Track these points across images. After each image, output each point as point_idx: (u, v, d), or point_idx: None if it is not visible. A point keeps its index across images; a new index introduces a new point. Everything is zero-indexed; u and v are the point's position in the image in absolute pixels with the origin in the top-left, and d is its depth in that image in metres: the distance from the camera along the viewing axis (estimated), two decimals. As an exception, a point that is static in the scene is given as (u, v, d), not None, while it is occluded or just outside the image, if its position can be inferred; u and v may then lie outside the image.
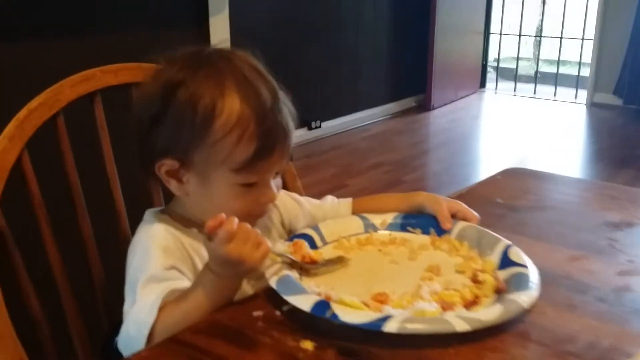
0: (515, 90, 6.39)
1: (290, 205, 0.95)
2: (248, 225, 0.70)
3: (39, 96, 0.87)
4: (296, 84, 3.96)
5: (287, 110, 0.82)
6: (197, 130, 0.77)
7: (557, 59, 6.35)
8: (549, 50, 6.74)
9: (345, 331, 0.63)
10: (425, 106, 5.49)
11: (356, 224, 0.86)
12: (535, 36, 6.83)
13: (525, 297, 0.67)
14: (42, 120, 0.87)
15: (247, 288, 0.80)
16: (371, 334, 0.62)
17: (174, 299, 0.73)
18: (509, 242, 0.78)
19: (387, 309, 0.67)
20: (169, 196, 0.87)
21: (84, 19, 1.75)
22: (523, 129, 5.09)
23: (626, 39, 5.43)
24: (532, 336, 0.65)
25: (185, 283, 0.76)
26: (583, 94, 5.87)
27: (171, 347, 0.65)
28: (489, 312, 0.65)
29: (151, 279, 0.76)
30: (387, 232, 0.85)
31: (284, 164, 0.82)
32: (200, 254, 0.80)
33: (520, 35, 6.46)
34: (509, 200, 1.01)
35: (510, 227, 0.88)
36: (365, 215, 0.88)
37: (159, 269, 0.77)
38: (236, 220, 0.69)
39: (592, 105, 5.72)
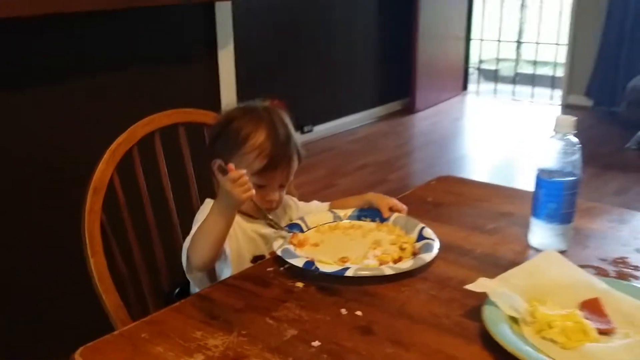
0: (495, 92, 6.86)
1: (289, 202, 1.43)
2: (245, 178, 1.14)
3: (123, 134, 1.34)
4: (291, 91, 4.56)
5: (294, 147, 1.29)
6: (237, 146, 1.25)
7: (537, 59, 6.82)
8: (529, 51, 7.19)
9: (322, 277, 1.09)
10: (410, 109, 5.94)
11: (328, 216, 1.33)
12: (513, 41, 7.27)
13: (427, 257, 1.14)
14: (125, 150, 1.33)
15: (265, 253, 1.27)
16: (338, 278, 1.08)
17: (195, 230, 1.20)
18: (424, 225, 1.25)
19: (347, 265, 1.13)
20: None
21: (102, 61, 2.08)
22: (502, 129, 5.53)
23: (597, 44, 5.86)
24: (429, 278, 1.11)
25: None
26: (558, 95, 6.34)
27: (219, 286, 1.11)
28: (405, 264, 1.12)
29: (195, 226, 1.22)
30: (348, 221, 1.33)
31: (285, 180, 1.28)
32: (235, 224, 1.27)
33: (499, 41, 6.93)
34: (436, 199, 1.47)
35: (432, 217, 1.34)
36: (334, 210, 1.35)
37: (202, 219, 1.22)
38: (243, 171, 1.14)
39: (566, 107, 6.18)
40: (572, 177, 1.16)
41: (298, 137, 1.33)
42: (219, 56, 2.34)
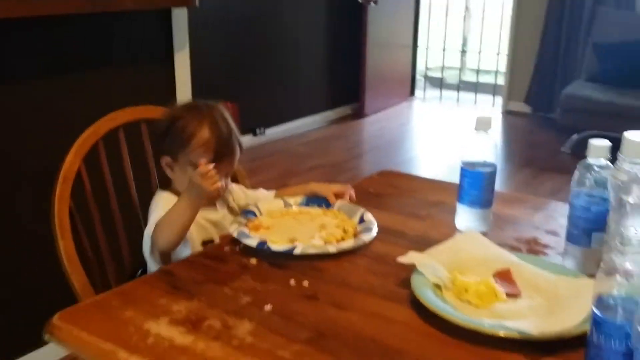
0: (441, 98, 7.13)
1: (238, 194, 1.56)
2: (214, 172, 1.27)
3: (88, 128, 1.45)
4: (243, 95, 4.70)
5: (235, 139, 1.42)
6: (183, 144, 1.38)
7: (479, 68, 7.12)
8: (472, 60, 7.48)
9: (273, 255, 1.23)
10: (359, 114, 6.12)
11: (280, 203, 1.47)
12: (458, 50, 7.55)
13: (366, 238, 1.29)
14: (91, 143, 1.45)
15: (215, 237, 1.40)
16: (288, 255, 1.22)
17: (162, 216, 1.32)
18: (364, 210, 1.40)
19: (296, 244, 1.27)
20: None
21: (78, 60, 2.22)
22: (446, 133, 5.77)
23: (534, 54, 6.16)
24: (368, 255, 1.27)
25: None
26: (499, 101, 6.63)
27: (179, 263, 1.24)
28: (347, 244, 1.27)
29: (156, 215, 1.35)
30: (297, 207, 1.47)
31: (230, 169, 1.42)
32: None
33: (444, 50, 7.20)
34: (377, 190, 1.63)
35: (373, 205, 1.50)
36: (285, 198, 1.50)
37: (161, 212, 1.35)
38: (211, 166, 1.27)
39: (506, 113, 6.47)
40: (490, 168, 1.33)
41: (237, 130, 1.46)
42: (175, 59, 2.46)
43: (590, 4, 5.63)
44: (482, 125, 1.33)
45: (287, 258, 1.23)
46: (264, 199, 1.55)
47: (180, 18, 2.41)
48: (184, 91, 2.48)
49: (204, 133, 1.39)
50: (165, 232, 1.30)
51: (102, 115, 1.52)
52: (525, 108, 6.30)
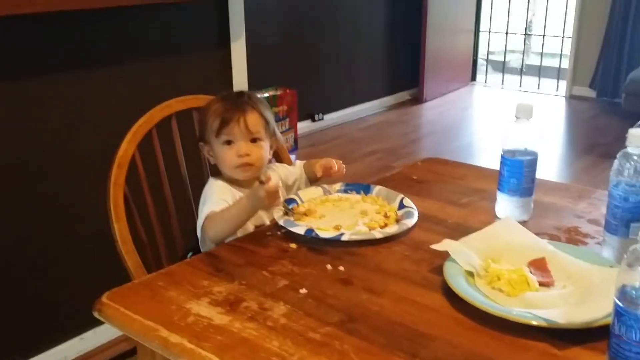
0: (503, 83, 6.99)
1: (283, 170, 1.60)
2: (279, 190, 1.34)
3: (143, 117, 1.53)
4: (302, 81, 4.78)
5: (248, 101, 1.45)
6: (205, 124, 1.45)
7: (544, 51, 6.94)
8: (536, 44, 7.30)
9: (314, 241, 1.27)
10: (418, 99, 6.10)
11: (319, 190, 1.52)
12: (520, 34, 7.38)
13: (409, 223, 1.32)
14: (145, 131, 1.53)
15: (266, 221, 1.46)
16: (327, 241, 1.26)
17: (218, 210, 1.38)
18: (403, 195, 1.43)
19: (342, 231, 1.31)
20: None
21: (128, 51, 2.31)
22: (506, 119, 5.67)
23: (600, 37, 5.98)
24: (405, 241, 1.29)
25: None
26: (563, 86, 6.46)
27: (224, 246, 1.30)
28: (391, 229, 1.30)
29: (209, 203, 1.41)
30: (337, 194, 1.51)
31: (248, 132, 1.42)
32: (236, 195, 1.45)
33: (507, 33, 7.05)
34: (419, 177, 1.65)
35: (414, 192, 1.52)
36: (323, 185, 1.53)
37: (215, 200, 1.41)
38: (278, 182, 1.33)
39: (570, 98, 6.31)
40: (530, 156, 1.33)
41: (259, 99, 1.49)
42: (232, 47, 2.52)
43: (661, -15, 5.42)
44: (523, 112, 1.33)
45: (327, 244, 1.27)
46: (299, 170, 1.61)
47: (236, 6, 2.46)
48: (240, 79, 2.54)
49: (215, 103, 1.46)
50: (219, 228, 1.34)
51: (157, 103, 1.59)
52: (590, 93, 6.14)
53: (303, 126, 4.90)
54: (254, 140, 1.45)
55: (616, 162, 1.16)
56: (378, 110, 5.78)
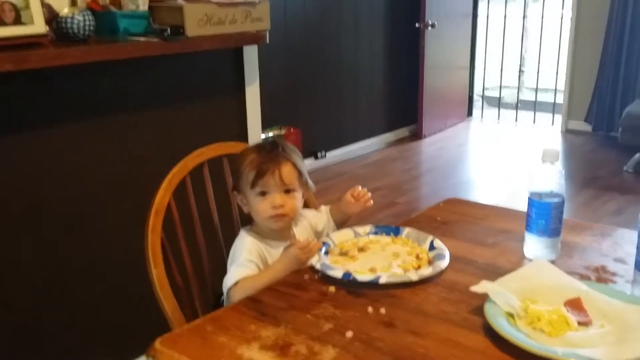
0: (499, 117, 7.11)
1: (313, 215, 1.65)
2: (313, 245, 1.38)
3: (177, 165, 1.57)
4: (305, 120, 4.85)
5: (283, 153, 1.49)
6: (241, 173, 1.49)
7: (538, 86, 7.07)
8: (530, 78, 7.44)
9: (351, 284, 1.31)
10: (417, 135, 6.18)
11: (350, 233, 1.55)
12: (515, 70, 7.52)
13: (443, 264, 1.36)
14: (179, 178, 1.57)
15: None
16: (364, 283, 1.30)
17: (250, 276, 1.41)
18: (433, 237, 1.47)
19: (378, 274, 1.34)
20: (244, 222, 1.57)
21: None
22: (505, 153, 5.76)
23: (595, 72, 6.11)
24: (440, 283, 1.33)
25: (255, 272, 1.44)
26: (559, 120, 6.57)
27: (265, 291, 1.33)
28: (426, 271, 1.34)
29: (237, 264, 1.44)
30: (367, 236, 1.55)
31: (281, 184, 1.46)
32: (267, 255, 1.48)
33: (502, 70, 7.19)
34: (443, 218, 1.69)
35: (440, 233, 1.56)
36: (354, 228, 1.57)
37: (242, 261, 1.45)
38: (307, 237, 1.38)
39: (566, 132, 6.41)
40: (558, 198, 1.38)
41: (293, 149, 1.53)
42: (247, 92, 2.58)
43: (652, 21, 5.57)
44: (549, 156, 1.38)
45: (364, 286, 1.31)
46: (326, 216, 1.66)
47: (251, 54, 2.54)
48: (254, 122, 2.60)
49: (251, 154, 1.50)
50: (249, 293, 1.34)
51: (180, 149, 1.64)
52: (585, 127, 6.23)
53: (306, 164, 4.94)
54: (287, 191, 1.49)
55: (644, 204, 1.21)
56: (379, 147, 5.86)
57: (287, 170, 1.48)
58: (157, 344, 1.13)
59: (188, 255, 1.58)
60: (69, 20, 1.93)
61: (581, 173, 5.05)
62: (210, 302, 1.60)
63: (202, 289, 1.61)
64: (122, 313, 2.29)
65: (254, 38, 2.40)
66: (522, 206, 1.62)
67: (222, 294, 1.57)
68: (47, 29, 1.89)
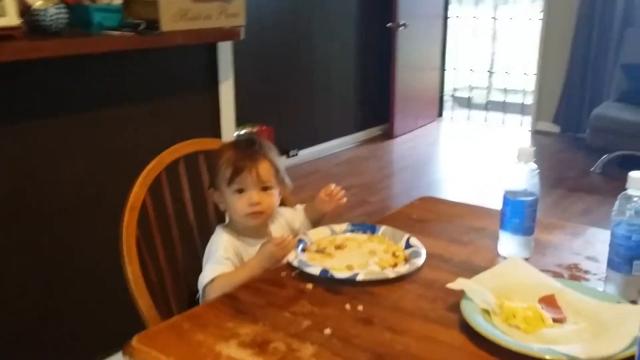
0: (469, 118, 7.18)
1: (289, 213, 1.65)
2: (289, 241, 1.37)
3: (153, 161, 1.55)
4: (278, 118, 4.83)
5: (259, 150, 1.48)
6: (216, 170, 1.48)
7: (507, 87, 7.17)
8: (499, 80, 7.54)
9: (328, 281, 1.31)
10: (389, 134, 6.21)
11: (326, 230, 1.56)
12: (485, 71, 7.60)
13: (419, 262, 1.37)
14: (155, 174, 1.55)
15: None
16: (342, 280, 1.30)
17: (226, 273, 1.41)
18: (409, 234, 1.48)
19: (356, 271, 1.35)
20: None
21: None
22: (475, 153, 5.83)
23: (563, 74, 6.20)
24: (416, 280, 1.34)
25: (231, 269, 1.43)
26: (528, 121, 6.66)
27: (242, 288, 1.33)
28: (403, 268, 1.34)
29: (213, 262, 1.44)
30: (343, 234, 1.55)
31: (259, 181, 1.45)
32: (244, 252, 1.48)
33: (472, 70, 7.26)
34: (419, 216, 1.71)
35: (416, 231, 1.57)
36: (330, 226, 1.57)
37: (218, 258, 1.44)
38: (287, 234, 1.37)
39: (535, 132, 6.50)
40: (532, 196, 1.40)
41: (269, 146, 1.52)
42: (220, 89, 2.57)
43: (619, 25, 5.67)
44: (524, 156, 1.40)
45: (341, 283, 1.31)
46: (302, 214, 1.66)
47: (225, 50, 2.52)
48: (228, 120, 2.59)
49: (227, 151, 1.49)
50: (225, 289, 1.33)
51: (152, 144, 1.63)
52: (553, 128, 6.33)
53: (278, 162, 4.94)
54: (264, 189, 1.48)
55: (617, 204, 1.23)
56: (350, 146, 5.87)
57: (264, 167, 1.47)
58: (134, 341, 1.12)
59: (163, 252, 1.57)
60: (42, 12, 1.89)
61: (550, 173, 5.12)
62: (186, 299, 1.59)
63: (177, 286, 1.59)
64: (102, 309, 2.26)
65: (229, 34, 2.39)
66: (492, 204, 1.64)
67: (197, 291, 1.56)
68: (20, 21, 1.85)
